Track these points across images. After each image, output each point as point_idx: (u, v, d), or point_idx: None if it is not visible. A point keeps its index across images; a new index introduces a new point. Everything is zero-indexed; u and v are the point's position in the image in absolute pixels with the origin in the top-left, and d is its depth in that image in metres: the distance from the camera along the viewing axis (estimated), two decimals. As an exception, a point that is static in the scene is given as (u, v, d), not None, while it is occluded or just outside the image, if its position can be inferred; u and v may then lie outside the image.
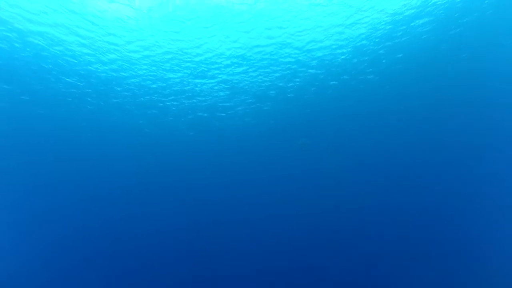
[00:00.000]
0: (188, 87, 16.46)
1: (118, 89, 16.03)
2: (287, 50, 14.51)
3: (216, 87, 16.83)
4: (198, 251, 27.51)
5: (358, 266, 24.07)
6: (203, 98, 17.61)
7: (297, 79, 16.54)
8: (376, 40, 14.23)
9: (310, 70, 15.73)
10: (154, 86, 16.21)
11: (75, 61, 14.01)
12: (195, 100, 17.66)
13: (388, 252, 24.36)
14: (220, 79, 16.20)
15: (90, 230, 27.08)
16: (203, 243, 27.95)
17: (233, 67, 15.42)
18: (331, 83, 16.81)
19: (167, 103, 17.54)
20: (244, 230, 28.66)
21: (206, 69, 15.40)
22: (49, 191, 24.02)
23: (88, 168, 22.81)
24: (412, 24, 13.60)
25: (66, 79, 15.08)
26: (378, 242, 24.85)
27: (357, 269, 23.87)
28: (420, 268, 22.91)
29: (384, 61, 15.62)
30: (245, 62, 15.13)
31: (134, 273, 26.01)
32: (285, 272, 24.56)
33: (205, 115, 18.98)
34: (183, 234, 28.82)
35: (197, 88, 16.69)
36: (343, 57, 15.18)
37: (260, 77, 16.24)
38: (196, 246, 27.86)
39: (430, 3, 12.57)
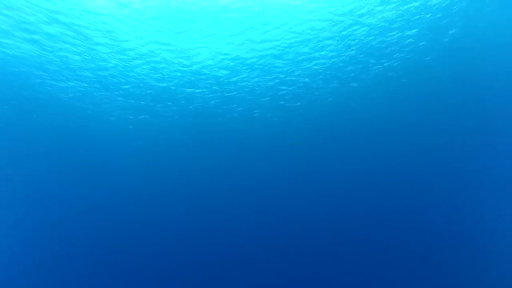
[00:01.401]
0: (182, 95, 16.21)
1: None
2: (279, 60, 14.33)
3: (209, 95, 16.60)
4: (199, 253, 27.52)
5: (362, 268, 24.31)
6: (195, 105, 17.38)
7: (291, 87, 16.41)
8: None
9: (304, 79, 15.61)
10: (148, 91, 15.91)
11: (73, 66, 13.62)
12: (191, 106, 17.43)
13: (392, 255, 24.63)
14: (212, 87, 15.97)
15: (90, 231, 26.86)
16: (202, 246, 27.95)
17: (225, 73, 15.19)
18: (323, 90, 16.73)
19: (158, 109, 17.27)
20: (241, 234, 28.71)
21: (197, 77, 15.14)
22: (49, 191, 23.70)
23: (84, 174, 22.52)
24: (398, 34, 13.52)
25: (60, 84, 14.68)
26: (388, 244, 25.06)
27: (361, 271, 24.10)
28: (420, 269, 23.24)
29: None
30: (242, 68, 14.92)
31: (134, 273, 26.01)
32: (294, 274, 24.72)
33: (201, 119, 18.77)
34: (182, 235, 28.76)
35: (188, 94, 16.45)
36: (335, 66, 15.06)
37: (254, 81, 16.05)
38: (196, 249, 27.85)
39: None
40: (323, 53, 14.16)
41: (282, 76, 15.68)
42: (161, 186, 25.63)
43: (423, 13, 12.43)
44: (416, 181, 23.69)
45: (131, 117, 17.94)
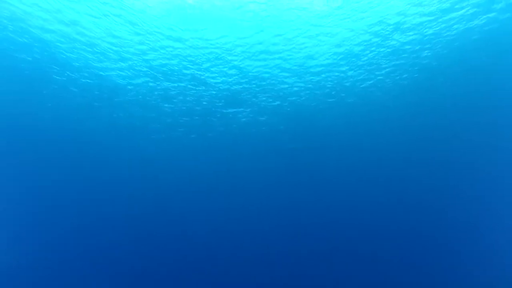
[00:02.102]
0: (191, 92, 16.31)
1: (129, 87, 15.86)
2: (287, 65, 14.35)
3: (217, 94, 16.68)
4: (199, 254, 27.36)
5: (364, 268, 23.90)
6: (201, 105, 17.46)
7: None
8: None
9: (310, 86, 15.58)
10: (155, 92, 16.07)
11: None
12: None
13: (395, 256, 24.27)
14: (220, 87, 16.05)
15: (89, 231, 26.96)
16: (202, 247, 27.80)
17: (231, 77, 15.26)
18: (329, 100, 16.65)
19: (166, 107, 17.40)
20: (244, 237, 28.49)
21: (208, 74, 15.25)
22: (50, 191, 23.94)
23: (87, 169, 22.71)
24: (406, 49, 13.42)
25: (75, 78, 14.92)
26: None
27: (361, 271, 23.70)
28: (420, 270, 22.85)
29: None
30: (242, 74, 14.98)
31: (134, 273, 25.97)
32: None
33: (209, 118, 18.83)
34: (181, 236, 28.68)
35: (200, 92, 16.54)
36: (337, 74, 15.00)
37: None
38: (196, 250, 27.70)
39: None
40: (332, 60, 14.14)
41: (292, 81, 15.70)
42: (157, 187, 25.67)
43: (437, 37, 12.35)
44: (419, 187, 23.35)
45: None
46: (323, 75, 14.91)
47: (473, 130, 18.61)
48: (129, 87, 15.94)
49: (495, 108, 17.10)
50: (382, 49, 13.28)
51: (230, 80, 15.72)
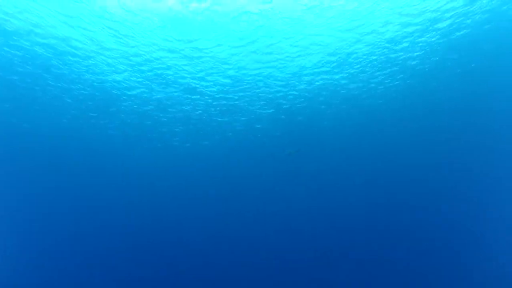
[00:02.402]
0: (186, 102, 16.37)
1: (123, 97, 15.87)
2: (279, 74, 14.52)
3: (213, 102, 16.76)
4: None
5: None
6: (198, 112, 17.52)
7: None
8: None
9: (305, 94, 15.75)
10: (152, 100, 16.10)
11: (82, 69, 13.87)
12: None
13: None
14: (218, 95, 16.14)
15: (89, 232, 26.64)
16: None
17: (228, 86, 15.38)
18: (322, 107, 16.84)
19: (162, 118, 17.42)
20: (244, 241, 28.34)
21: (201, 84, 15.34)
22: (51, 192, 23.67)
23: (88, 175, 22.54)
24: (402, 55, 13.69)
25: (71, 86, 14.91)
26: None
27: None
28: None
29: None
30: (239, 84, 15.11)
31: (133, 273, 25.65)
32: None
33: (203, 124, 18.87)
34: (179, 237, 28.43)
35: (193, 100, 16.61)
36: (336, 82, 15.21)
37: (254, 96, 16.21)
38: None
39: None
40: (325, 69, 14.34)
41: (285, 90, 15.85)
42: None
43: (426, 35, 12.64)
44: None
45: (135, 121, 18.08)
46: (316, 83, 15.11)
47: (463, 132, 18.93)
48: (124, 97, 15.96)
49: (485, 110, 17.44)
50: (373, 57, 13.52)
51: (225, 89, 15.84)
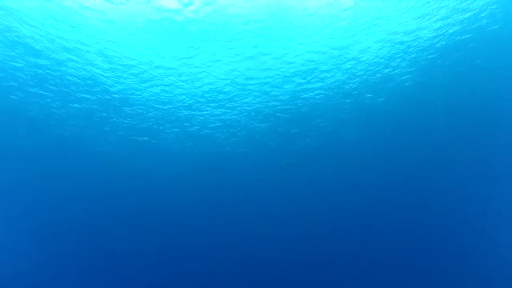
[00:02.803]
0: (182, 117, 16.56)
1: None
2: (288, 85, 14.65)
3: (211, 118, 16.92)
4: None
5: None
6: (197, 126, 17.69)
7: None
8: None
9: (302, 109, 15.86)
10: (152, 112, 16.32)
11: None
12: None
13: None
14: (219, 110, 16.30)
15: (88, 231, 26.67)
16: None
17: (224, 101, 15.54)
18: (317, 121, 16.91)
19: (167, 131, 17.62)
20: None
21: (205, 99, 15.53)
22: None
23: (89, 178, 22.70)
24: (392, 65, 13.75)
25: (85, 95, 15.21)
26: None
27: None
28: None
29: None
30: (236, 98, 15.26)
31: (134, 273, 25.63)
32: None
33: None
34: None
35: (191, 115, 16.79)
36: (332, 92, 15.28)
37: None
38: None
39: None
40: (320, 84, 14.46)
41: (279, 104, 15.97)
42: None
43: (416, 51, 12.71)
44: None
45: (133, 137, 18.30)
46: (311, 101, 15.23)
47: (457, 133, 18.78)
48: (122, 113, 16.21)
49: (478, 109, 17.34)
50: (365, 77, 13.64)
51: (223, 104, 16.00)
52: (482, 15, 11.18)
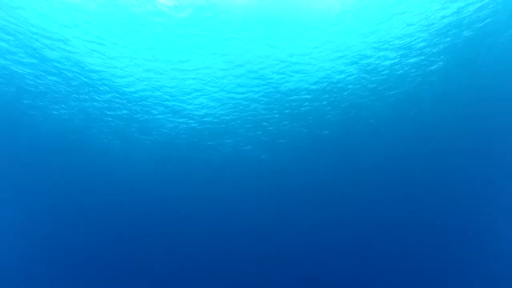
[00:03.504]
0: (170, 126, 16.13)
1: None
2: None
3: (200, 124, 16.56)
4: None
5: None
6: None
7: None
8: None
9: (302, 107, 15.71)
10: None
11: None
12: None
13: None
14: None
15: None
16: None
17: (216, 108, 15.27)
18: (304, 130, 16.78)
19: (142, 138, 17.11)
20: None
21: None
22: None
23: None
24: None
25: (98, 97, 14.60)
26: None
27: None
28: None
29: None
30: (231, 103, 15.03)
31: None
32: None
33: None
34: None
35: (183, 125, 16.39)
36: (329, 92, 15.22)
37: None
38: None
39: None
40: (309, 96, 14.39)
41: (265, 113, 15.76)
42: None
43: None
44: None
45: (117, 141, 17.69)
46: (302, 109, 15.10)
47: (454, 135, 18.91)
48: (109, 118, 15.67)
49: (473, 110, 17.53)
50: (357, 86, 13.66)
51: (211, 112, 15.70)
52: None
